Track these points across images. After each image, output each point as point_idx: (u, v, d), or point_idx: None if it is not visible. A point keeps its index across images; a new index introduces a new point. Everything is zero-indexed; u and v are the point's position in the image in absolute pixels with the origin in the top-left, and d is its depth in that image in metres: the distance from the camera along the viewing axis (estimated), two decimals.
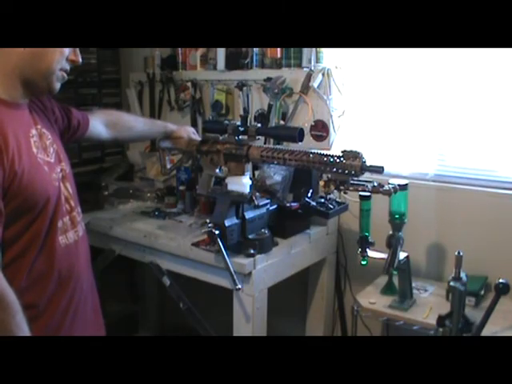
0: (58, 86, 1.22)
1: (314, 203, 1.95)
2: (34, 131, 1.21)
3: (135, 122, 1.77)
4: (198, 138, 1.83)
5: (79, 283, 1.31)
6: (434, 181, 2.08)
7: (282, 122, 2.30)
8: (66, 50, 1.18)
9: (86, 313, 1.35)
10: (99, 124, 1.60)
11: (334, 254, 2.29)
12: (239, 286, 1.68)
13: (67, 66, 1.21)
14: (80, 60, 1.23)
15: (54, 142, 1.29)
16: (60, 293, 1.26)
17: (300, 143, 1.58)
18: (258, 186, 1.94)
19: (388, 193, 1.44)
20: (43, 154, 1.21)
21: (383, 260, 1.75)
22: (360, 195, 1.77)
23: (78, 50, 1.22)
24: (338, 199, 2.09)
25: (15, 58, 1.13)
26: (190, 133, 1.83)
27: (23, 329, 1.08)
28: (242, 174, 1.67)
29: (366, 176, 1.42)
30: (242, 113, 2.39)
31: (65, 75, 1.22)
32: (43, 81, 1.18)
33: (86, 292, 1.35)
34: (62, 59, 1.18)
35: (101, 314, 1.46)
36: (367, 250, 1.82)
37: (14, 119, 1.15)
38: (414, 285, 1.90)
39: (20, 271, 1.17)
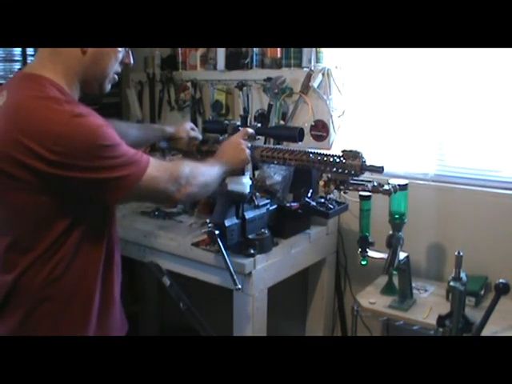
0: (109, 87, 1.26)
1: (313, 203, 1.95)
2: None
3: (128, 128, 1.75)
4: (197, 133, 1.81)
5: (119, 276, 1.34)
6: (433, 181, 2.08)
7: (282, 122, 2.30)
8: (120, 54, 1.22)
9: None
10: None
11: (334, 254, 2.29)
12: (239, 286, 1.67)
13: (119, 69, 1.26)
14: (132, 62, 1.28)
15: None
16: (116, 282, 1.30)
17: (300, 143, 1.58)
18: (258, 185, 1.93)
19: (388, 192, 1.44)
20: None
21: (383, 260, 1.75)
22: (360, 195, 1.77)
23: (130, 52, 1.26)
24: (338, 199, 2.09)
25: (76, 62, 1.16)
26: (189, 131, 1.81)
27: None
28: (242, 174, 1.67)
29: (366, 176, 1.42)
30: (242, 113, 2.39)
31: (116, 77, 1.26)
32: (96, 83, 1.23)
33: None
34: (116, 63, 1.22)
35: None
36: (367, 250, 1.82)
37: None
38: (414, 285, 1.90)
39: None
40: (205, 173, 1.33)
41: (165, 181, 1.19)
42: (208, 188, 1.35)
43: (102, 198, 1.14)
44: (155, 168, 1.17)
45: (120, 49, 1.22)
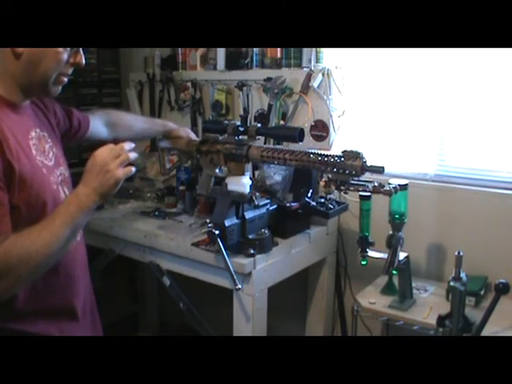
0: (55, 90, 1.21)
1: (313, 203, 1.95)
2: (33, 133, 1.21)
3: (135, 121, 1.77)
4: (196, 139, 1.83)
5: (77, 287, 1.31)
6: (433, 181, 2.08)
7: (282, 122, 2.30)
8: (64, 56, 1.17)
9: (85, 316, 1.35)
10: (99, 124, 1.60)
11: (334, 254, 2.29)
12: (239, 286, 1.68)
13: (67, 70, 1.21)
14: (83, 62, 1.22)
15: (54, 146, 1.29)
16: (60, 297, 1.25)
17: (300, 143, 1.58)
18: (257, 185, 1.93)
19: (388, 193, 1.44)
20: (42, 157, 1.21)
21: (383, 260, 1.75)
22: (360, 195, 1.77)
23: (81, 51, 1.20)
24: (337, 199, 2.09)
25: (11, 66, 1.13)
26: (190, 133, 1.83)
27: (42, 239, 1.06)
28: (242, 174, 1.67)
29: (367, 176, 1.42)
30: (242, 113, 2.39)
31: (64, 79, 1.21)
32: (39, 87, 1.18)
33: (84, 296, 1.35)
34: (58, 66, 1.17)
35: (98, 317, 1.45)
36: (367, 250, 1.82)
37: (14, 120, 1.15)
38: (414, 285, 1.90)
39: None
40: (29, 245, 1.05)
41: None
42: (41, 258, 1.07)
43: None
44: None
45: (61, 49, 1.15)
